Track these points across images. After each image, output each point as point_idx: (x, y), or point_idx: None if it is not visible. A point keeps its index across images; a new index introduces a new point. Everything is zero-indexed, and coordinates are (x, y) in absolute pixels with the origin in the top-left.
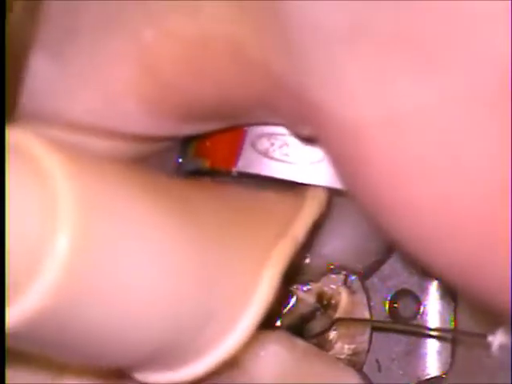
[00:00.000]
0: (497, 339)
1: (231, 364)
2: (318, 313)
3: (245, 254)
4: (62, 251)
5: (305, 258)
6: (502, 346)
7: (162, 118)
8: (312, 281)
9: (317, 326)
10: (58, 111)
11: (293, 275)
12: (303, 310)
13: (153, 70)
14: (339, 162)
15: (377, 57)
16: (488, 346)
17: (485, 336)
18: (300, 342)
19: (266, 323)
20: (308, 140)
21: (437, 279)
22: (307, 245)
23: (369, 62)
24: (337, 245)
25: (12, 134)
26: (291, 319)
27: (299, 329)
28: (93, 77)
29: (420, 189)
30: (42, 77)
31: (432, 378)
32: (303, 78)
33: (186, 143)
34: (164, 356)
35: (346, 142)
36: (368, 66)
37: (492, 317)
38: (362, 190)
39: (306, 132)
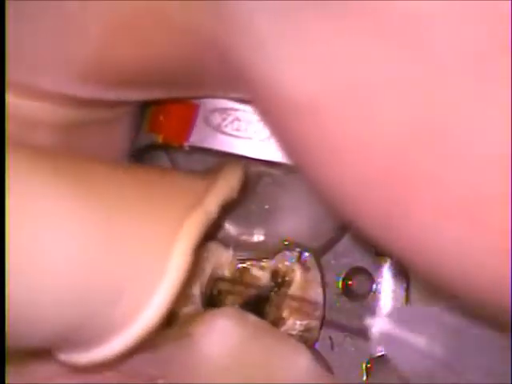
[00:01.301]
0: (376, 325)
1: (181, 336)
2: (273, 290)
3: (155, 226)
4: None
5: (219, 230)
6: (382, 334)
7: (100, 83)
8: (266, 258)
9: (271, 303)
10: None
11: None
12: (257, 287)
13: (85, 39)
14: (273, 125)
15: (302, 24)
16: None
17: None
18: (251, 318)
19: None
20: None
21: (390, 257)
22: (222, 219)
23: (295, 31)
24: (291, 222)
25: None
26: (246, 296)
27: (254, 306)
28: (30, 44)
29: (339, 130)
30: None
31: (384, 354)
32: (233, 47)
33: (140, 118)
34: (81, 334)
35: (277, 110)
36: (295, 35)
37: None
38: (293, 147)
39: (239, 96)
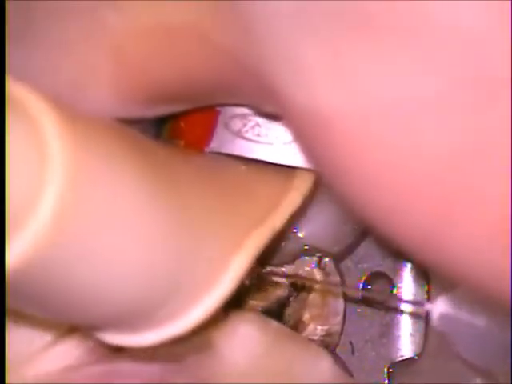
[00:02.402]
0: (436, 307)
1: (203, 343)
2: (292, 296)
3: (221, 233)
4: (48, 206)
5: (279, 242)
6: (442, 316)
7: (128, 100)
8: (286, 263)
9: (291, 308)
10: None
11: (264, 259)
12: (277, 292)
13: (117, 53)
14: (300, 140)
15: (331, 40)
16: (427, 314)
17: (423, 304)
18: (272, 323)
19: (237, 304)
20: (273, 117)
21: (410, 261)
22: (284, 230)
23: (325, 47)
24: (312, 227)
25: (14, 91)
26: (266, 302)
27: (274, 311)
28: (55, 62)
29: (378, 165)
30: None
31: (405, 359)
32: (263, 63)
33: (160, 125)
34: (130, 319)
35: (305, 125)
36: (324, 50)
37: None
38: (323, 165)
39: (270, 110)
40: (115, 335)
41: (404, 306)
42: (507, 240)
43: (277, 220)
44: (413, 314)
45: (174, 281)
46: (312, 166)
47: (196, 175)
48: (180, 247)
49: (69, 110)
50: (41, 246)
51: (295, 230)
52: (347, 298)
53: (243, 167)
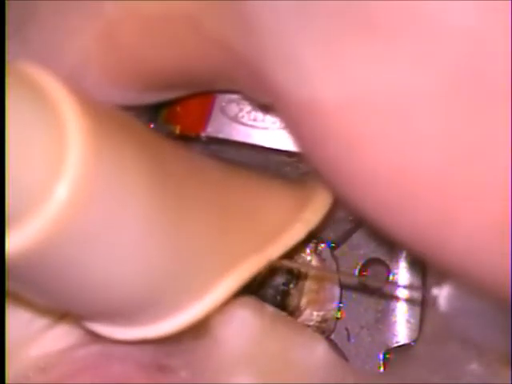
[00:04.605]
0: (443, 291)
1: (198, 327)
2: (292, 283)
3: (216, 252)
4: (61, 196)
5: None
6: (450, 297)
7: (124, 87)
8: None
9: (287, 294)
10: None
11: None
12: (275, 279)
13: (113, 41)
14: (297, 134)
15: (329, 35)
16: (434, 299)
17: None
18: (268, 308)
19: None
20: (267, 108)
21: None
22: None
23: (322, 41)
24: None
25: (32, 74)
26: (262, 288)
27: (270, 298)
28: (53, 50)
29: (377, 160)
30: None
31: (401, 345)
32: (259, 56)
33: (157, 110)
34: (117, 313)
35: (302, 118)
36: (321, 44)
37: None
38: (320, 162)
39: (265, 101)
40: (104, 327)
41: (401, 292)
42: (507, 235)
43: (274, 251)
44: (409, 300)
45: (158, 287)
46: (306, 158)
47: (204, 189)
48: (173, 258)
49: (87, 97)
50: (56, 227)
51: None
52: (343, 285)
53: (255, 178)
